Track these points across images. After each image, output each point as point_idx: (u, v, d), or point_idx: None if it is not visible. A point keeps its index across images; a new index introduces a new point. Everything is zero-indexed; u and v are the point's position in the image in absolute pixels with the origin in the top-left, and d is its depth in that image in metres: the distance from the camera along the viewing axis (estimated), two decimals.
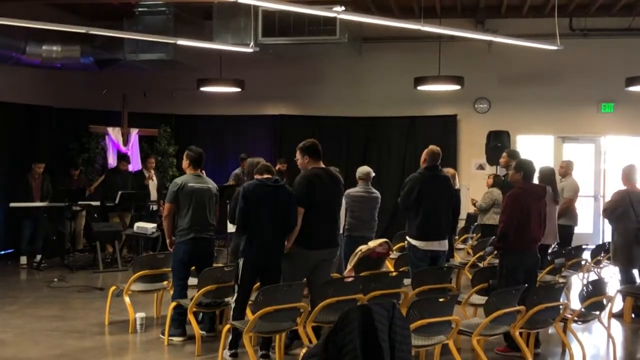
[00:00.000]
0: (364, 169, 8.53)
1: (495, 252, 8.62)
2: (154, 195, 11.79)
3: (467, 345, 6.20)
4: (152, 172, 12.04)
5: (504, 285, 6.09)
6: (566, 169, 9.90)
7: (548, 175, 8.16)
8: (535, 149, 12.99)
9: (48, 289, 9.11)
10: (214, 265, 7.01)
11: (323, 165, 6.28)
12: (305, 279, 6.09)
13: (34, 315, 7.69)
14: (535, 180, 6.85)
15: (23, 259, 10.83)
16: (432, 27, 8.40)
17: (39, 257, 10.76)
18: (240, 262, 6.00)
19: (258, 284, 6.13)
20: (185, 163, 6.91)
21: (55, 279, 9.60)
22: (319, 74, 13.79)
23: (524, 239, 6.26)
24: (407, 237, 7.01)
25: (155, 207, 11.83)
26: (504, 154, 8.94)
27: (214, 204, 6.84)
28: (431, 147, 7.09)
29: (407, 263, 7.34)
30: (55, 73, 12.28)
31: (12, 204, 10.61)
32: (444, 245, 7.03)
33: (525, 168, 6.43)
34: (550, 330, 6.79)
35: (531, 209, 6.29)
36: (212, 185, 6.89)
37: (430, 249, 6.88)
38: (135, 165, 12.57)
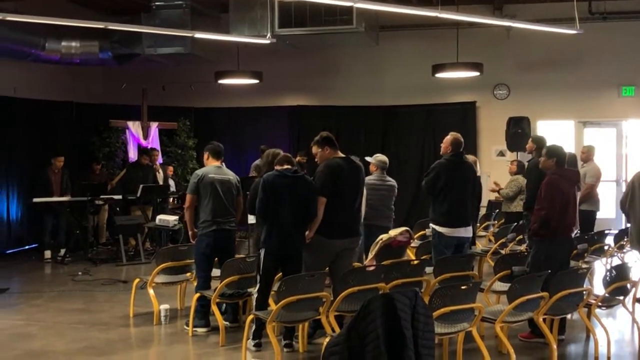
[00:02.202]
0: (381, 158, 8.49)
1: (519, 238, 8.63)
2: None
3: (490, 333, 6.18)
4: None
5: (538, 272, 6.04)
6: (587, 154, 9.82)
7: (571, 161, 8.09)
8: (556, 134, 12.88)
9: (72, 282, 9.22)
10: (236, 256, 7.05)
11: (342, 155, 6.29)
12: (327, 268, 6.11)
13: (59, 308, 7.79)
14: None
15: (47, 253, 10.95)
16: (450, 14, 8.35)
17: (62, 251, 10.88)
18: (261, 252, 6.03)
19: (280, 274, 6.16)
20: (205, 156, 6.95)
21: (80, 273, 9.71)
22: (336, 63, 13.77)
23: (562, 225, 6.21)
24: (432, 224, 6.99)
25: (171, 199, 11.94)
26: (530, 140, 8.89)
27: (235, 195, 6.85)
28: (454, 134, 7.07)
29: (428, 251, 7.33)
30: (74, 69, 12.38)
31: (35, 199, 10.73)
32: (469, 231, 7.07)
33: (557, 154, 6.36)
34: (574, 316, 6.75)
35: (569, 195, 6.25)
36: (232, 176, 6.91)
37: (456, 236, 6.89)
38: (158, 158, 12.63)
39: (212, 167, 6.82)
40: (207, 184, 6.68)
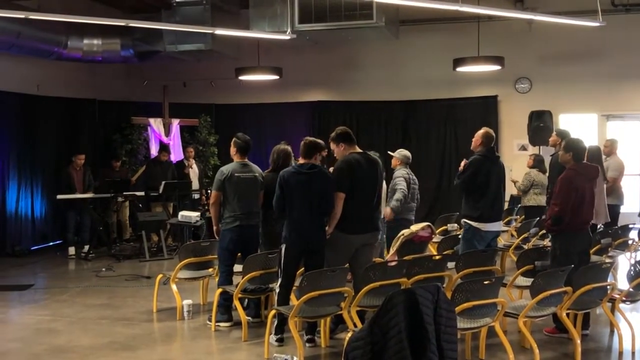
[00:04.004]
0: (405, 153, 8.53)
1: (541, 233, 8.58)
2: (195, 184, 11.94)
3: (513, 328, 6.17)
4: (192, 161, 12.18)
5: (557, 267, 6.01)
6: (611, 147, 9.73)
7: (595, 155, 8.02)
8: (579, 127, 12.76)
9: (96, 278, 9.32)
10: (258, 252, 7.08)
11: (359, 150, 6.28)
12: (347, 264, 6.12)
13: (84, 304, 7.87)
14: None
15: (71, 250, 11.07)
16: (471, 7, 8.27)
17: (86, 247, 10.99)
18: (282, 248, 6.07)
19: (302, 269, 6.18)
20: (232, 150, 6.94)
21: (103, 269, 9.80)
22: (356, 58, 13.74)
23: (577, 221, 6.15)
24: (467, 220, 6.93)
25: (197, 196, 11.99)
26: (553, 133, 8.83)
27: (258, 192, 6.87)
28: (486, 129, 7.06)
29: (450, 246, 7.31)
30: (96, 66, 12.49)
31: (59, 196, 10.85)
32: (501, 226, 7.18)
33: (574, 148, 6.29)
34: (598, 310, 6.70)
35: (585, 191, 6.18)
36: (258, 173, 6.91)
37: (492, 230, 6.91)
38: (177, 155, 12.74)
39: (238, 165, 6.82)
40: (233, 182, 6.71)
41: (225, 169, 6.82)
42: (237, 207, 6.70)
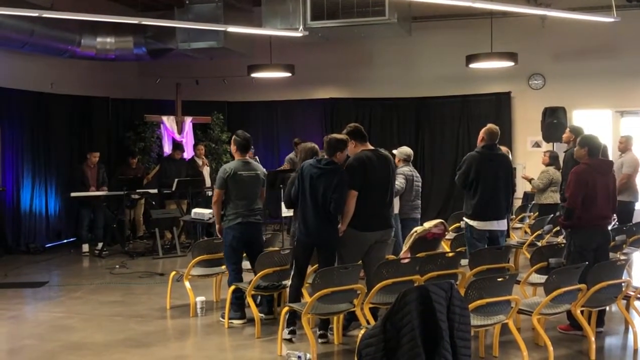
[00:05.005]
0: (406, 150, 8.47)
1: (555, 230, 8.54)
2: (208, 181, 11.98)
3: (527, 325, 6.14)
4: (204, 158, 12.21)
5: (572, 264, 5.98)
6: (625, 144, 9.65)
7: (604, 154, 7.96)
8: (593, 124, 12.67)
9: (110, 275, 9.36)
10: (270, 249, 7.08)
11: (371, 147, 6.27)
12: (360, 261, 6.11)
13: (98, 301, 7.92)
14: None
15: (85, 247, 11.12)
16: (484, 3, 8.26)
17: (100, 244, 11.05)
18: (295, 243, 6.08)
19: (315, 266, 6.18)
20: (233, 148, 6.97)
21: (117, 266, 9.85)
22: (368, 55, 13.72)
23: (591, 215, 6.10)
24: (465, 218, 6.94)
25: (211, 193, 12.01)
26: (567, 130, 8.77)
27: (260, 189, 6.88)
28: (490, 125, 6.99)
29: (463, 244, 7.29)
30: (109, 64, 12.54)
31: (73, 194, 10.91)
32: (502, 224, 6.93)
33: (589, 143, 6.26)
34: (613, 308, 6.66)
35: (597, 185, 6.12)
36: (260, 170, 6.93)
37: (488, 229, 6.80)
38: (190, 152, 12.77)
39: (240, 163, 6.83)
40: (236, 180, 6.72)
41: (228, 167, 6.83)
42: (239, 205, 6.71)
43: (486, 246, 6.76)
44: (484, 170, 6.78)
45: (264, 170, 7.06)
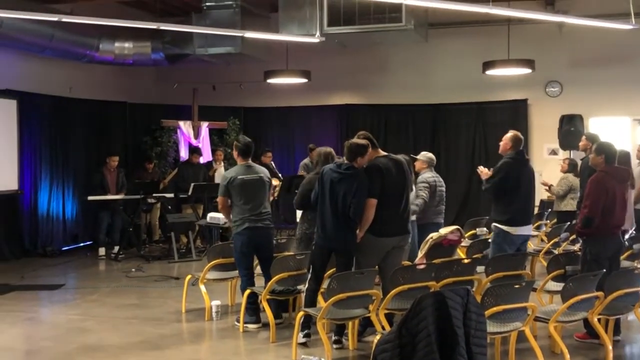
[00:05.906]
0: (429, 155, 8.46)
1: (572, 238, 8.48)
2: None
3: (543, 333, 6.10)
4: (221, 163, 12.25)
5: (588, 272, 5.94)
6: None
7: (624, 160, 7.90)
8: (610, 132, 12.58)
9: (126, 278, 9.41)
10: (285, 253, 7.10)
11: (383, 152, 6.27)
12: (376, 267, 6.11)
13: (114, 304, 7.96)
14: None
15: (101, 251, 11.19)
16: (501, 10, 8.22)
17: (116, 248, 11.11)
18: (313, 247, 6.12)
19: (332, 270, 6.18)
20: (235, 154, 7.00)
21: (133, 269, 9.90)
22: (384, 62, 13.72)
23: (608, 224, 6.07)
24: (497, 224, 6.85)
25: None
26: (583, 137, 8.72)
27: (266, 192, 6.90)
28: (514, 132, 6.99)
29: (479, 250, 7.26)
30: (127, 69, 12.64)
31: (90, 197, 10.99)
32: (531, 229, 7.15)
33: (606, 151, 6.24)
34: (630, 316, 6.61)
35: (616, 193, 6.10)
36: (263, 174, 6.92)
37: (522, 234, 6.85)
38: (207, 157, 12.82)
39: (242, 168, 6.84)
40: (238, 186, 6.72)
41: (229, 173, 6.85)
42: (245, 210, 6.72)
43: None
44: (521, 175, 6.82)
45: (267, 173, 7.06)
